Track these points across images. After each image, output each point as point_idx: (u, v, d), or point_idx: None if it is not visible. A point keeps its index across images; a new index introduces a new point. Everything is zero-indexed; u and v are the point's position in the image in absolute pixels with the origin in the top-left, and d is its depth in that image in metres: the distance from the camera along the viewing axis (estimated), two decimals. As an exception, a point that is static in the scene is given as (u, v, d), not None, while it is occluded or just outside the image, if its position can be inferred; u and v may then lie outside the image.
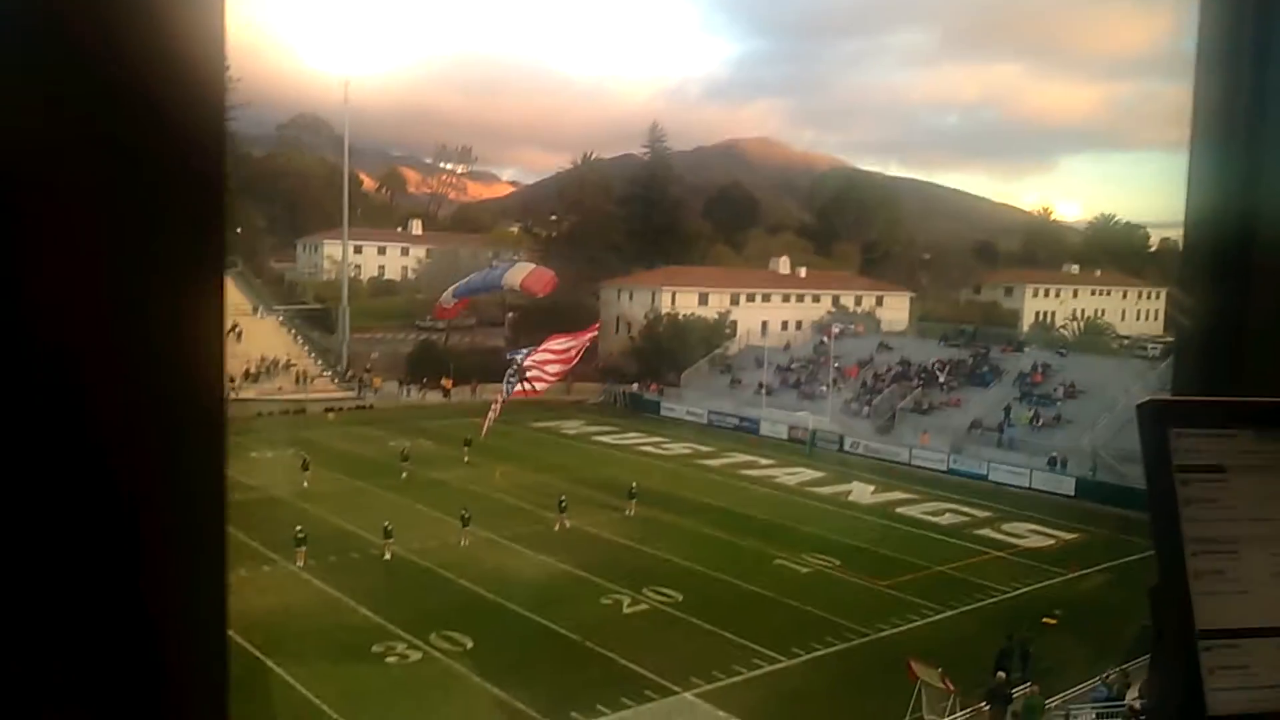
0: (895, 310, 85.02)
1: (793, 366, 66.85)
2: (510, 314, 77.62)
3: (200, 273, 0.65)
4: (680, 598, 28.49)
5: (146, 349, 0.62)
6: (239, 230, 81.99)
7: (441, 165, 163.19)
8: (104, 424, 0.61)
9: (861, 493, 43.81)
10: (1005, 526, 38.91)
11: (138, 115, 0.60)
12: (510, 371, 38.32)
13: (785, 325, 77.51)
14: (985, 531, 38.13)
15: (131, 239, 0.61)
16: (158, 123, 0.60)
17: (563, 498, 36.53)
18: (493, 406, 38.74)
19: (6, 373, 0.58)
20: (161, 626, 0.63)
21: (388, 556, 30.86)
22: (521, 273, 39.85)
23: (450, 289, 41.46)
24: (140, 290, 0.62)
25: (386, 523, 31.97)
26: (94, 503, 0.60)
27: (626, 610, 27.71)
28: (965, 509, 41.45)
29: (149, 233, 0.62)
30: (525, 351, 39.57)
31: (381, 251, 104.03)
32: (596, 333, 39.76)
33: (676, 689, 22.57)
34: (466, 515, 33.31)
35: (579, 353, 38.96)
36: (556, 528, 35.09)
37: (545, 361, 39.04)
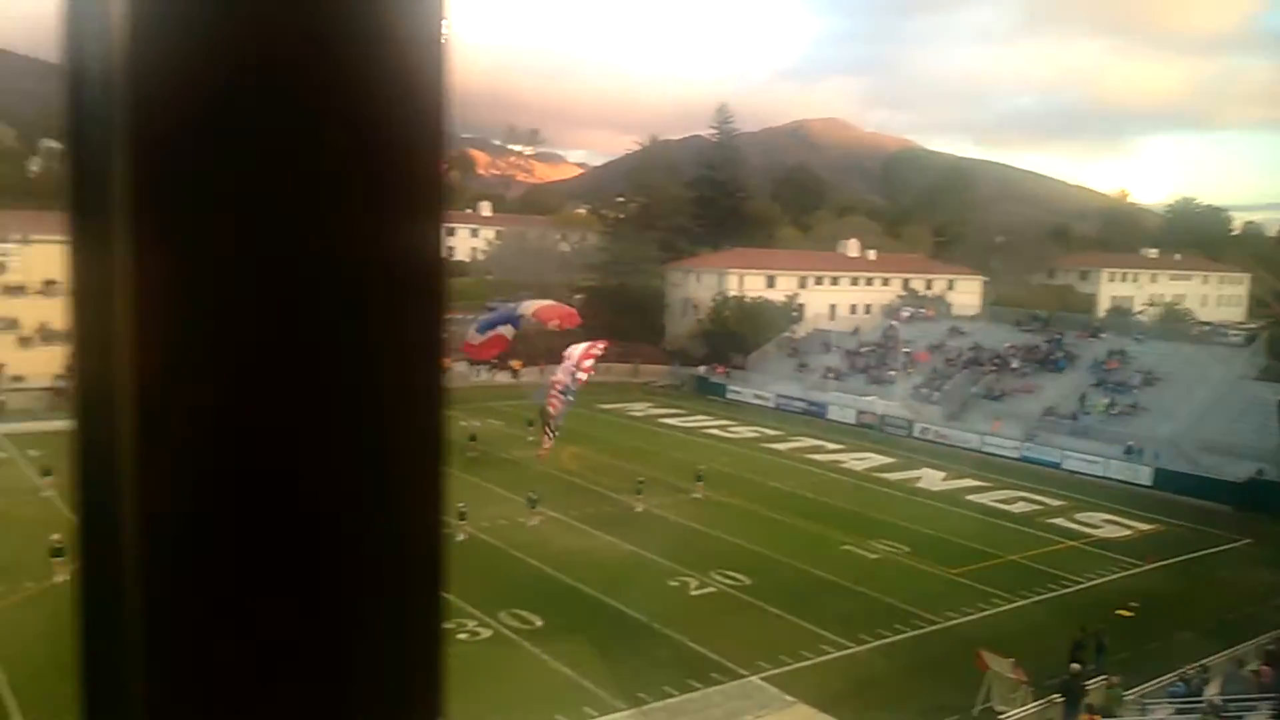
0: (967, 294, 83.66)
1: (861, 350, 66.21)
2: (577, 295, 77.96)
3: (424, 271, 0.66)
4: (748, 581, 28.48)
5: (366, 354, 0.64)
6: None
7: (510, 147, 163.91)
8: (333, 429, 0.63)
9: (931, 479, 43.33)
10: (1079, 516, 38.21)
11: (358, 119, 0.61)
12: (564, 382, 38.74)
13: (854, 309, 76.78)
14: (1058, 520, 37.47)
15: (353, 241, 0.63)
16: (380, 125, 0.62)
17: (640, 479, 36.76)
18: (546, 431, 39.06)
19: (248, 379, 0.60)
20: (383, 599, 0.65)
21: (462, 537, 31.26)
22: (533, 305, 42.14)
23: (473, 326, 42.45)
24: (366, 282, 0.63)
25: (461, 504, 32.35)
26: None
27: (694, 593, 27.77)
28: (1038, 497, 40.78)
29: (371, 236, 0.63)
30: (581, 349, 39.97)
31: (451, 232, 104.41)
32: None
33: (743, 672, 22.59)
34: (534, 497, 33.63)
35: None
36: (639, 509, 35.27)
37: (585, 356, 39.55)
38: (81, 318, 0.64)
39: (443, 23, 0.63)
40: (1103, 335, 60.27)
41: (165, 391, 0.59)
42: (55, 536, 27.64)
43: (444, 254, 0.66)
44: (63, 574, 26.48)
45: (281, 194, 0.60)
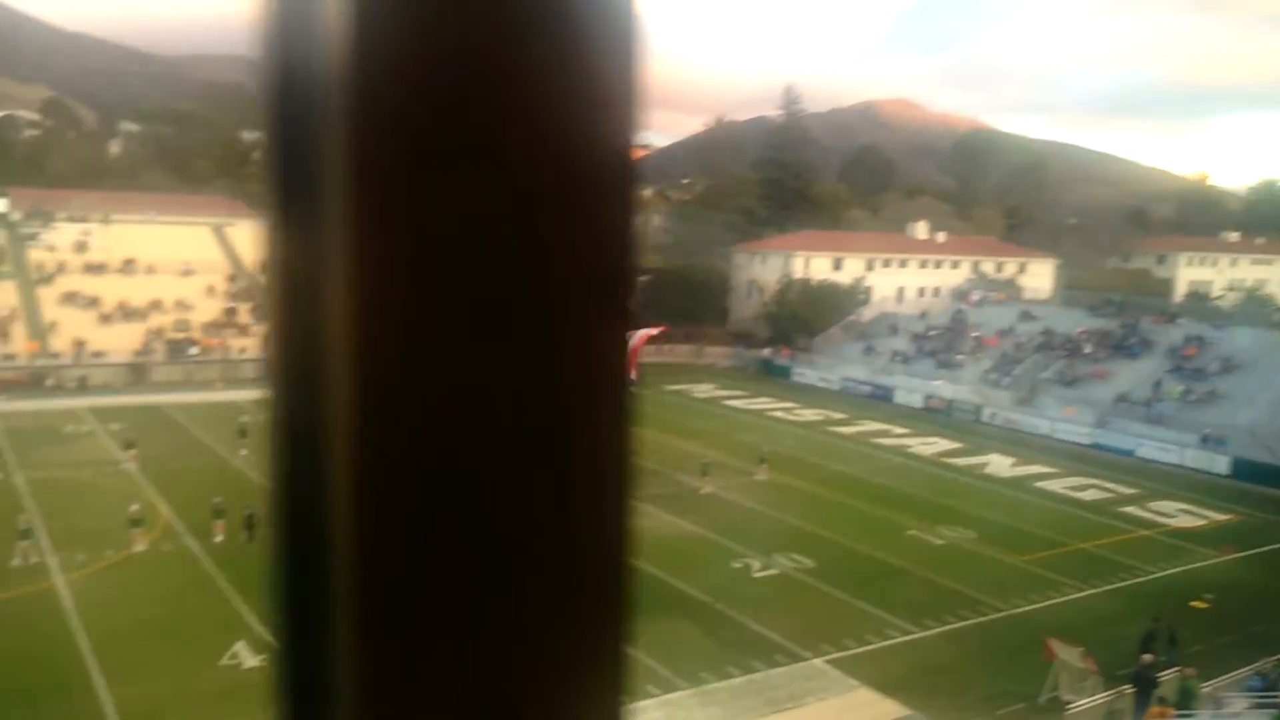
0: (1038, 278, 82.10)
1: (929, 334, 65.39)
2: (641, 276, 77.92)
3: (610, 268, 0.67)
4: (811, 564, 28.38)
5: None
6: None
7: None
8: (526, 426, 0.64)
9: (1000, 465, 42.73)
10: (1152, 504, 37.40)
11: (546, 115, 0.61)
12: None
13: (922, 292, 75.78)
14: (1131, 509, 36.72)
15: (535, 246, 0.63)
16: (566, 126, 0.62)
17: (705, 461, 36.80)
18: None
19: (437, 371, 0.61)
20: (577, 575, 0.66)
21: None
22: None
23: None
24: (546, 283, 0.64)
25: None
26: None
27: (757, 574, 27.75)
28: (1110, 485, 39.99)
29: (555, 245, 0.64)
30: (637, 335, 40.09)
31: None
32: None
33: (806, 655, 22.54)
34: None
35: None
36: (703, 490, 35.32)
37: (640, 342, 39.66)
38: (285, 302, 0.66)
39: (636, 21, 0.63)
40: (1180, 320, 58.78)
41: (380, 384, 0.60)
42: (134, 507, 28.51)
43: (633, 255, 0.66)
44: (141, 543, 27.30)
45: (487, 191, 0.60)
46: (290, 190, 0.65)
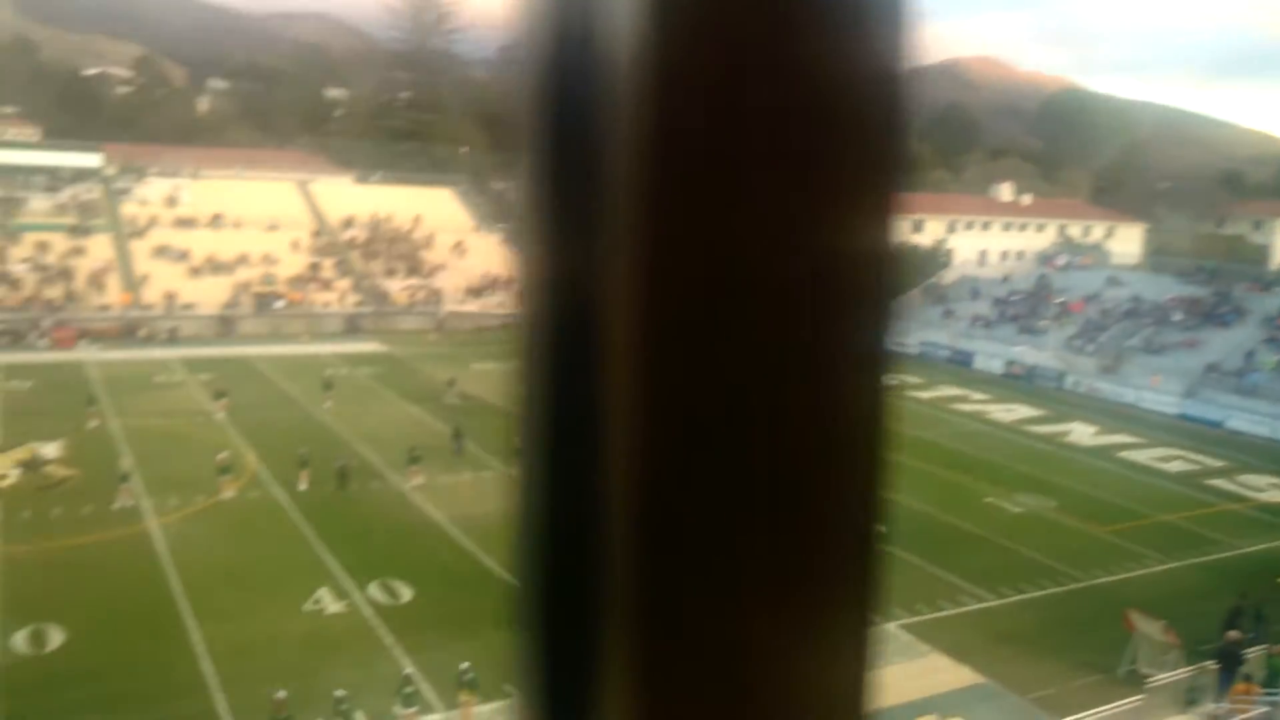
0: (1126, 243, 79.84)
1: (1011, 299, 64.08)
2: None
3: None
4: (884, 529, 28.12)
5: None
6: (464, 150, 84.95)
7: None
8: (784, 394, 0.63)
9: (1082, 433, 41.89)
10: (1241, 478, 36.38)
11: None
12: None
13: (1005, 255, 74.21)
14: (1219, 482, 35.76)
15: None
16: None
17: None
18: None
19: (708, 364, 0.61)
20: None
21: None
22: None
23: None
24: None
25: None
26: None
27: (830, 538, 27.65)
28: (1197, 456, 38.98)
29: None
30: None
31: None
32: None
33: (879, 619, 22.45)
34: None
35: None
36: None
37: None
38: (551, 295, 0.67)
39: (906, 7, 0.61)
40: (1276, 288, 56.76)
41: (659, 386, 0.59)
42: (223, 455, 29.42)
43: (893, 251, 0.64)
44: (229, 490, 28.19)
45: (772, 196, 0.59)
46: (562, 188, 0.65)
